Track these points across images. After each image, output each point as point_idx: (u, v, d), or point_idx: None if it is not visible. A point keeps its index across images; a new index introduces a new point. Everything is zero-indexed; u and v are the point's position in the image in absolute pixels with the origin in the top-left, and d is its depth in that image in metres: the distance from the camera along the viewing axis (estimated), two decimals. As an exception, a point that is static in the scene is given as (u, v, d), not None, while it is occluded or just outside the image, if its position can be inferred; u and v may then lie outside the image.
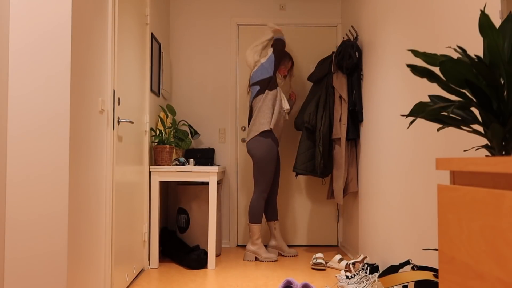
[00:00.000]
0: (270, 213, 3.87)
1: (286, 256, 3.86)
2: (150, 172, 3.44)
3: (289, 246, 4.29)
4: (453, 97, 1.82)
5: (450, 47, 1.31)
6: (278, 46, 3.76)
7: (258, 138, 3.68)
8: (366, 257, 3.21)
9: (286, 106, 3.74)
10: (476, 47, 1.72)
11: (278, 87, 3.73)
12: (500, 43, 1.00)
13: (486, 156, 0.96)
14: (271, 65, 3.71)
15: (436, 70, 2.02)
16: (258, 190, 3.71)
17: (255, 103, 3.73)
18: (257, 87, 3.72)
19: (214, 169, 3.41)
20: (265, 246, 4.11)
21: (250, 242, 3.72)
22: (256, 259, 3.72)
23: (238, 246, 4.35)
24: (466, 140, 1.79)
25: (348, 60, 3.52)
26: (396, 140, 2.68)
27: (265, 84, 3.70)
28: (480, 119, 1.22)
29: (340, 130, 3.62)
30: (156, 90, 3.67)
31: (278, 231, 3.88)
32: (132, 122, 2.70)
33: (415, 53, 1.09)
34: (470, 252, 0.87)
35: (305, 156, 3.78)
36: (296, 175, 3.91)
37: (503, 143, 1.01)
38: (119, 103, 2.63)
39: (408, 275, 1.80)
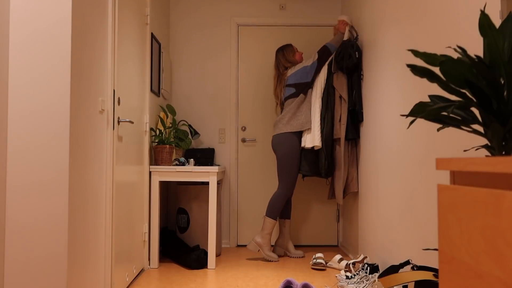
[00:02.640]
0: (284, 211, 3.86)
1: (291, 257, 3.82)
2: (150, 172, 3.44)
3: (289, 246, 4.27)
4: (453, 97, 1.82)
5: (450, 47, 1.31)
6: (324, 55, 3.76)
7: (284, 135, 3.72)
8: (366, 257, 3.20)
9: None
10: (476, 47, 1.72)
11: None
12: (500, 43, 1.00)
13: (486, 156, 0.96)
14: (312, 71, 3.76)
15: (436, 70, 2.01)
16: (282, 188, 3.73)
17: (287, 104, 3.80)
18: (292, 89, 3.77)
19: (214, 169, 3.41)
20: (272, 246, 4.09)
21: (260, 235, 3.68)
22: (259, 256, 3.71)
23: (238, 246, 4.35)
24: (466, 140, 1.79)
25: (348, 60, 3.52)
26: (396, 140, 2.68)
27: (301, 89, 3.76)
28: (480, 119, 1.22)
29: (340, 130, 3.62)
30: (156, 90, 3.67)
31: (288, 230, 3.87)
32: (132, 122, 2.70)
33: (415, 53, 1.09)
34: (470, 252, 0.87)
35: (310, 157, 3.79)
36: (303, 176, 3.91)
37: (503, 143, 1.01)
38: (119, 103, 2.63)
39: (408, 275, 1.80)
